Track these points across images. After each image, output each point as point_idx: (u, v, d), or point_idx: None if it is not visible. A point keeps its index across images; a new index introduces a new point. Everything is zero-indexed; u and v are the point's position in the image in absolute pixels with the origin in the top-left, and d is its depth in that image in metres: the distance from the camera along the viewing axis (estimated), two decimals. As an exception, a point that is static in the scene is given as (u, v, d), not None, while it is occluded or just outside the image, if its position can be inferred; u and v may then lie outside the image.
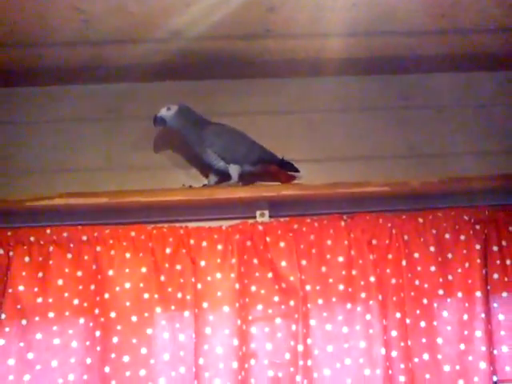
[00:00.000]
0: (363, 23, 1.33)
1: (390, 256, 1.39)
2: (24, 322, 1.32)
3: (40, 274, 1.35)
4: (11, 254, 1.35)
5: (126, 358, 1.31)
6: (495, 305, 1.38)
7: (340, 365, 1.34)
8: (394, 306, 1.36)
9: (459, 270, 1.38)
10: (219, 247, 1.37)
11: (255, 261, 1.38)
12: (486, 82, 1.58)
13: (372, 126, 1.55)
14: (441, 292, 1.38)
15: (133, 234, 1.38)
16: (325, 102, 1.55)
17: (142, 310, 1.34)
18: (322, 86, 1.55)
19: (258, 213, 1.43)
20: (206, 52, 1.41)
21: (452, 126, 1.56)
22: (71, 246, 1.37)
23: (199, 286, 1.35)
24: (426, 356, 1.35)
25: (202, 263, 1.36)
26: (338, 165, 1.50)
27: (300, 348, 1.33)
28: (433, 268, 1.39)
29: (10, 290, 1.32)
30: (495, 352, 1.35)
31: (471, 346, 1.34)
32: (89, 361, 1.32)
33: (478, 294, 1.35)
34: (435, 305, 1.38)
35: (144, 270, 1.35)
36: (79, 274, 1.36)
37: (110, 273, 1.34)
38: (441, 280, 1.39)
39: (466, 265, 1.38)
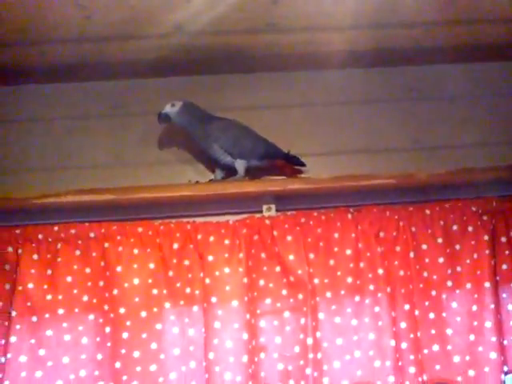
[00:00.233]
0: (368, 15, 1.32)
1: (397, 248, 1.39)
2: (34, 318, 1.33)
3: (49, 272, 1.35)
4: (20, 251, 1.35)
5: (136, 354, 1.31)
6: (504, 295, 1.38)
7: (350, 357, 1.34)
8: (403, 297, 1.36)
9: (468, 261, 1.38)
10: (226, 242, 1.37)
11: (263, 255, 1.38)
12: (492, 73, 1.56)
13: (378, 119, 1.54)
14: (449, 283, 1.38)
15: (140, 229, 1.38)
16: (330, 95, 1.54)
17: (151, 306, 1.34)
18: (326, 79, 1.54)
19: (264, 207, 1.43)
20: (210, 46, 1.41)
21: (458, 117, 1.55)
22: (79, 242, 1.37)
23: (207, 280, 1.35)
24: (435, 347, 1.35)
25: (210, 258, 1.36)
26: (345, 158, 1.50)
27: (309, 341, 1.33)
28: (441, 259, 1.39)
29: (20, 288, 1.33)
30: (505, 342, 1.35)
31: (481, 336, 1.34)
32: (100, 357, 1.33)
33: (487, 284, 1.35)
34: (444, 296, 1.38)
35: (152, 265, 1.36)
36: (88, 270, 1.36)
37: (119, 269, 1.35)
38: (449, 271, 1.38)
39: (475, 256, 1.38)
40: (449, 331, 1.36)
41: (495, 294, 1.35)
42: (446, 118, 1.55)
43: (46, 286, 1.34)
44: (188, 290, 1.36)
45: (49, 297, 1.34)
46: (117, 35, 1.34)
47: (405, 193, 1.43)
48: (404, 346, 1.34)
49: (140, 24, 1.31)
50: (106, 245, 1.37)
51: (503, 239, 1.39)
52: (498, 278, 1.38)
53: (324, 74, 1.54)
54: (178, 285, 1.36)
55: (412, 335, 1.35)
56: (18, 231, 1.36)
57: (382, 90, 1.56)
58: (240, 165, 1.43)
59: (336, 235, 1.39)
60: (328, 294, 1.37)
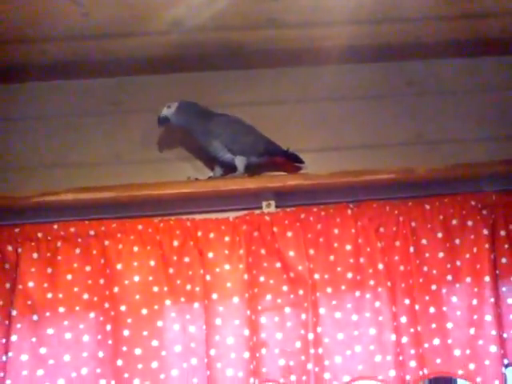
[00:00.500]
0: (367, 10, 1.30)
1: (397, 243, 1.39)
2: (35, 317, 1.33)
3: (49, 270, 1.35)
4: (19, 250, 1.35)
5: (137, 351, 1.31)
6: (504, 289, 1.38)
7: (351, 352, 1.34)
8: (403, 292, 1.37)
9: (467, 256, 1.38)
10: (227, 238, 1.37)
11: (263, 251, 1.38)
12: (492, 68, 1.56)
13: (377, 114, 1.53)
14: (449, 278, 1.38)
15: (140, 227, 1.38)
16: (329, 90, 1.53)
17: (151, 303, 1.34)
18: (326, 74, 1.53)
19: (264, 203, 1.43)
20: (209, 43, 1.40)
21: (458, 112, 1.54)
22: (79, 240, 1.37)
23: (208, 277, 1.35)
24: (436, 341, 1.36)
25: (210, 255, 1.36)
26: (344, 154, 1.49)
27: (310, 336, 1.34)
28: (441, 254, 1.39)
29: (20, 287, 1.33)
30: (505, 336, 1.36)
31: (481, 330, 1.34)
32: (101, 354, 1.33)
33: (487, 278, 1.35)
34: (444, 290, 1.38)
35: (152, 263, 1.36)
36: (88, 268, 1.36)
37: (119, 267, 1.35)
38: (449, 266, 1.39)
39: (474, 250, 1.38)
40: (449, 325, 1.37)
41: (495, 288, 1.36)
42: (446, 113, 1.54)
43: (46, 285, 1.34)
44: (188, 287, 1.36)
45: (49, 295, 1.34)
46: (115, 32, 1.33)
47: (405, 188, 1.43)
48: (404, 340, 1.35)
49: (138, 21, 1.30)
50: (106, 242, 1.36)
51: (502, 233, 1.39)
52: (497, 271, 1.38)
53: (323, 69, 1.53)
54: (179, 282, 1.36)
55: (412, 329, 1.35)
56: (17, 230, 1.36)
57: (381, 85, 1.55)
58: (240, 161, 1.42)
59: (336, 231, 1.39)
60: (328, 290, 1.37)
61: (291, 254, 1.37)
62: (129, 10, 1.26)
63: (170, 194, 1.39)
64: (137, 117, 1.51)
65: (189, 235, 1.38)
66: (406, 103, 1.55)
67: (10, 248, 1.35)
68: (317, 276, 1.37)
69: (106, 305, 1.34)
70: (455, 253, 1.39)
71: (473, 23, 1.40)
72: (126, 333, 1.32)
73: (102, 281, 1.36)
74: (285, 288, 1.37)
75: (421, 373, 1.34)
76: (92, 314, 1.34)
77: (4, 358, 1.30)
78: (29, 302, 1.33)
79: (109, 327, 1.33)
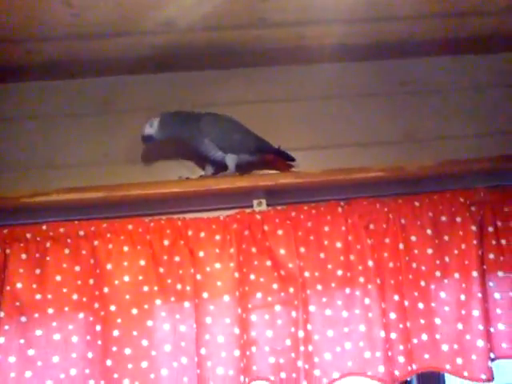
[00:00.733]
0: (359, 9, 1.30)
1: (387, 240, 1.39)
2: (23, 319, 1.31)
3: (38, 271, 1.33)
4: (8, 251, 1.33)
5: (127, 351, 1.31)
6: (491, 284, 1.40)
7: (340, 349, 1.35)
8: (393, 289, 1.37)
9: (456, 252, 1.39)
10: (217, 237, 1.37)
11: (254, 249, 1.38)
12: (482, 65, 1.57)
13: (368, 112, 1.54)
14: (438, 274, 1.39)
15: (130, 227, 1.36)
16: (320, 89, 1.53)
17: (141, 303, 1.33)
18: (317, 73, 1.53)
19: (255, 202, 1.42)
20: (200, 42, 1.39)
21: (449, 109, 1.55)
22: (68, 241, 1.35)
23: (198, 276, 1.34)
24: (424, 336, 1.37)
25: (201, 254, 1.35)
26: (335, 152, 1.50)
27: (300, 334, 1.34)
28: (430, 250, 1.40)
29: (8, 288, 1.31)
30: (492, 330, 1.38)
31: (469, 325, 1.35)
32: (90, 355, 1.32)
33: (475, 274, 1.36)
34: (433, 286, 1.39)
35: (142, 262, 1.35)
36: (77, 269, 1.34)
37: (109, 267, 1.33)
38: (438, 262, 1.40)
39: (463, 246, 1.39)
40: (437, 320, 1.38)
41: (482, 283, 1.37)
42: (437, 111, 1.55)
43: (34, 286, 1.32)
44: (179, 287, 1.35)
45: (38, 296, 1.32)
46: (105, 32, 1.31)
47: (395, 185, 1.45)
48: (393, 336, 1.35)
49: (128, 21, 1.29)
50: (96, 243, 1.35)
51: (490, 229, 1.41)
52: (485, 267, 1.39)
53: (315, 68, 1.53)
54: (169, 281, 1.35)
55: (401, 325, 1.36)
56: (5, 231, 1.34)
57: (372, 84, 1.55)
58: (230, 160, 1.42)
59: (326, 228, 1.39)
60: (319, 287, 1.37)
61: (282, 252, 1.37)
62: (119, 10, 1.24)
63: (161, 193, 1.38)
64: (127, 116, 1.49)
65: (179, 234, 1.37)
66: (397, 101, 1.55)
67: (-3, 249, 1.33)
68: (307, 273, 1.37)
69: (96, 305, 1.33)
70: (444, 249, 1.40)
71: (463, 22, 1.41)
72: (115, 333, 1.31)
73: (91, 281, 1.34)
74: (275, 286, 1.37)
75: (409, 368, 1.35)
76: (81, 315, 1.33)
77: (-9, 361, 1.29)
78: (17, 304, 1.31)
79: (98, 327, 1.32)
